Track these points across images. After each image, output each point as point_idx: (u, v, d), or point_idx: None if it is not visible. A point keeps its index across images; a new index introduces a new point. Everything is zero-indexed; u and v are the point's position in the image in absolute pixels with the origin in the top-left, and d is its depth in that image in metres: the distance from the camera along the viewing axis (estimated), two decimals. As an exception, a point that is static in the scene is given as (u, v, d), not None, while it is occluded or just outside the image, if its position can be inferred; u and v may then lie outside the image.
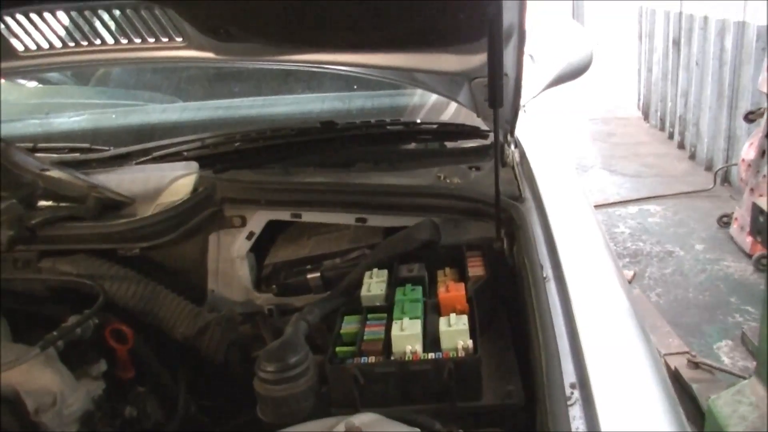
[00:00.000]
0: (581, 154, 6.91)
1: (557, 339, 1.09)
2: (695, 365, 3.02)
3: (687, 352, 3.11)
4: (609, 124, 7.98)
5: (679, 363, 3.07)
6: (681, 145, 6.68)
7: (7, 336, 1.37)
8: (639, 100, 8.11)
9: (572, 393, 0.98)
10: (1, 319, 1.39)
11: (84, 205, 1.56)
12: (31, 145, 1.81)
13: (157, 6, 1.51)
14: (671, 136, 6.96)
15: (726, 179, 5.71)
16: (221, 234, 1.64)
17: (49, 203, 1.61)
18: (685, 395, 2.97)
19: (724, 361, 3.43)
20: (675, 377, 3.04)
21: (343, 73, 1.82)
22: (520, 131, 1.89)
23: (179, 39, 1.59)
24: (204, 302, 1.64)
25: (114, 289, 1.49)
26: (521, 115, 2.21)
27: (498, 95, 1.27)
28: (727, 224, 4.86)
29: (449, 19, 1.33)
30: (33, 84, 2.56)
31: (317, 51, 1.57)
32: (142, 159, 1.76)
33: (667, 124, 7.08)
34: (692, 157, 6.39)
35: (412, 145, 1.89)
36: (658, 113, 7.35)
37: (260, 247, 1.68)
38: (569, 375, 1.02)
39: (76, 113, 2.19)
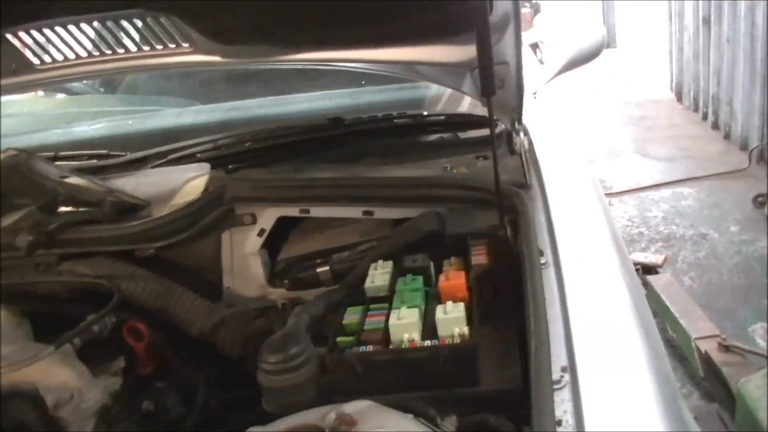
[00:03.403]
0: (613, 139, 6.83)
1: (553, 323, 1.11)
2: (726, 348, 2.97)
3: (717, 336, 3.07)
4: (641, 108, 7.85)
5: (709, 347, 3.02)
6: (715, 126, 6.54)
7: (29, 336, 1.43)
8: (671, 81, 7.96)
9: (562, 376, 1.00)
10: (23, 320, 1.46)
11: (101, 209, 1.62)
12: (52, 154, 1.88)
13: (161, 14, 1.57)
14: (705, 117, 6.82)
15: (762, 158, 5.58)
16: (234, 232, 1.69)
17: (69, 209, 1.68)
18: (716, 379, 2.93)
19: (759, 344, 3.38)
20: (706, 361, 3.00)
21: (350, 69, 1.85)
22: (531, 118, 1.90)
23: (186, 45, 1.65)
24: (220, 299, 1.69)
25: (131, 289, 1.54)
26: (533, 102, 2.23)
27: (490, 84, 1.29)
28: (763, 204, 4.76)
29: (440, 12, 1.35)
30: (61, 96, 2.65)
31: (319, 49, 1.61)
32: (158, 162, 1.82)
33: (701, 105, 6.93)
34: (727, 136, 6.25)
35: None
36: (691, 94, 7.21)
37: (275, 243, 1.73)
38: (562, 359, 1.03)
39: (95, 122, 2.26)
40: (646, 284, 3.72)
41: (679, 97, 7.67)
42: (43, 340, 1.47)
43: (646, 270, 3.83)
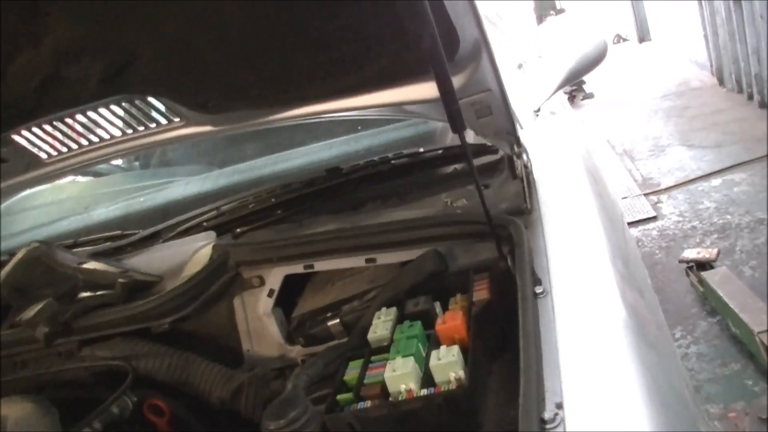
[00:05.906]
0: (656, 134, 6.66)
1: (550, 357, 1.07)
2: (791, 340, 2.84)
3: (781, 330, 2.92)
4: (683, 98, 7.66)
5: (774, 340, 2.89)
6: (762, 105, 6.32)
7: (56, 426, 1.47)
8: (711, 66, 7.74)
9: (557, 414, 0.96)
10: (50, 410, 1.50)
11: (113, 290, 1.66)
12: (71, 241, 1.95)
13: (146, 96, 1.62)
14: (750, 97, 6.59)
15: (815, 132, 5.35)
16: (245, 295, 1.71)
17: (87, 294, 1.73)
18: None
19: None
20: (772, 356, 2.87)
21: (341, 118, 1.86)
22: (534, 138, 1.87)
23: (177, 119, 1.69)
24: (241, 362, 1.70)
25: (149, 366, 1.57)
26: (535, 119, 2.19)
27: (458, 120, 1.27)
28: (820, 180, 4.56)
29: (401, 56, 1.35)
30: (80, 179, 2.77)
31: (303, 104, 1.62)
32: (168, 236, 1.86)
33: (744, 86, 6.71)
34: (776, 114, 6.03)
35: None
36: (733, 76, 6.99)
37: (291, 298, 1.73)
38: (557, 395, 1.00)
39: (112, 203, 2.34)
40: (701, 282, 3.59)
41: (721, 81, 7.45)
42: (75, 424, 1.51)
43: (701, 266, 3.68)
